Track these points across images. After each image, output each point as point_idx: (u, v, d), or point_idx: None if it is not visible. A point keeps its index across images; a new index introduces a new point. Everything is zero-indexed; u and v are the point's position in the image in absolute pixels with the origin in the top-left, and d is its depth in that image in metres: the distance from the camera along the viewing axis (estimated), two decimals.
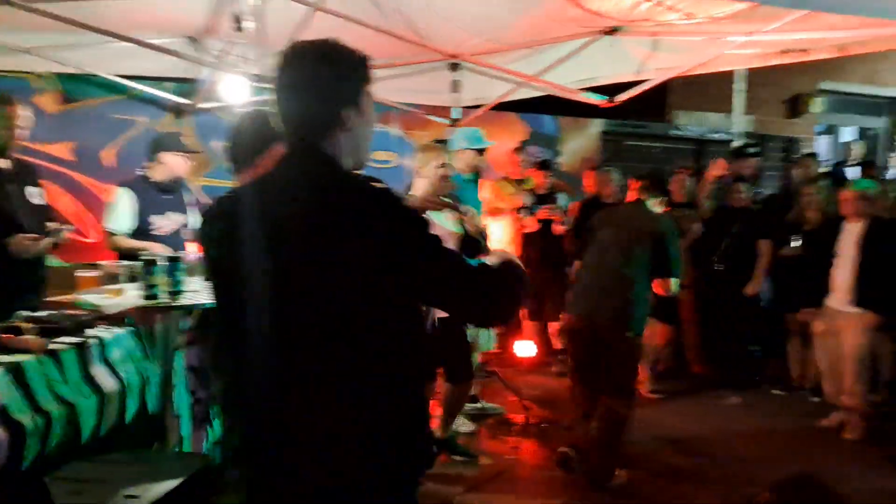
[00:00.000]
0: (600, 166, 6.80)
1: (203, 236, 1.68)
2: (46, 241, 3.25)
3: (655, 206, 4.05)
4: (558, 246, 6.04)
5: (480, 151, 4.66)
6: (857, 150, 8.08)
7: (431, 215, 3.23)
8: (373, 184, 1.52)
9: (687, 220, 5.74)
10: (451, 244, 3.47)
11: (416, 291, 1.50)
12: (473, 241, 3.47)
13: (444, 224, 3.62)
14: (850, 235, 4.63)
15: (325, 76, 1.52)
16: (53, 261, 4.09)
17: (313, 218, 1.44)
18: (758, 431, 4.36)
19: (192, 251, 4.14)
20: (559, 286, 6.20)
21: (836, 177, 7.53)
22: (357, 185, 1.50)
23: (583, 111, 6.24)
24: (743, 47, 3.99)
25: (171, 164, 4.20)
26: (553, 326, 6.18)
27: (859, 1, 2.51)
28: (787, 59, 4.05)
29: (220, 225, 1.59)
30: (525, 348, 6.12)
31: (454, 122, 5.27)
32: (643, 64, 4.84)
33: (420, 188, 3.58)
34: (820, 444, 4.60)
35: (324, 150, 1.53)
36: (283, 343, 1.48)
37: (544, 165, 6.10)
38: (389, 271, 1.42)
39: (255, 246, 1.49)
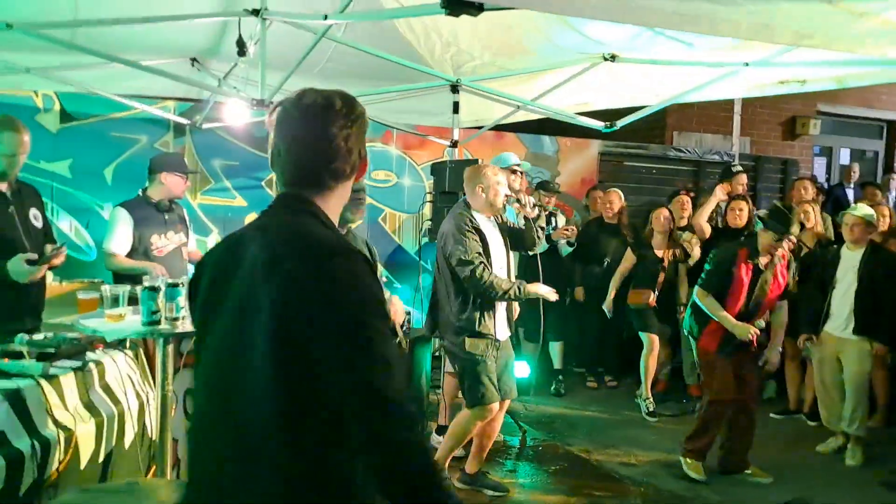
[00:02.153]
0: (598, 187, 6.84)
1: (196, 270, 1.61)
2: (42, 264, 3.25)
3: (767, 237, 4.13)
4: (560, 266, 6.05)
5: (512, 172, 4.75)
6: (857, 173, 8.11)
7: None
8: (346, 247, 1.43)
9: (688, 244, 5.77)
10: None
11: (332, 376, 1.31)
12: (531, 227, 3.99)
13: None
14: (850, 261, 4.64)
15: (330, 127, 1.48)
16: (54, 282, 4.09)
17: (274, 271, 1.37)
18: (755, 455, 4.35)
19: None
20: (559, 306, 6.21)
21: (833, 199, 7.58)
22: (331, 246, 1.40)
23: (582, 132, 6.27)
24: (742, 76, 4.02)
25: (170, 185, 4.22)
26: (556, 346, 6.16)
27: (854, 40, 2.54)
28: (784, 90, 4.09)
29: (210, 262, 1.56)
30: (521, 369, 6.11)
31: (454, 144, 5.29)
32: (641, 90, 4.88)
33: (479, 201, 3.85)
34: (817, 468, 4.60)
35: (310, 201, 1.49)
36: (224, 401, 1.41)
37: (545, 186, 6.12)
38: (320, 342, 1.31)
39: (219, 289, 1.47)
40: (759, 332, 4.11)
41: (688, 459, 4.33)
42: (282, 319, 1.33)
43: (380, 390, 1.30)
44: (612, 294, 5.73)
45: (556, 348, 6.18)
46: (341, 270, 1.36)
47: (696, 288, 4.35)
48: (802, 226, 5.37)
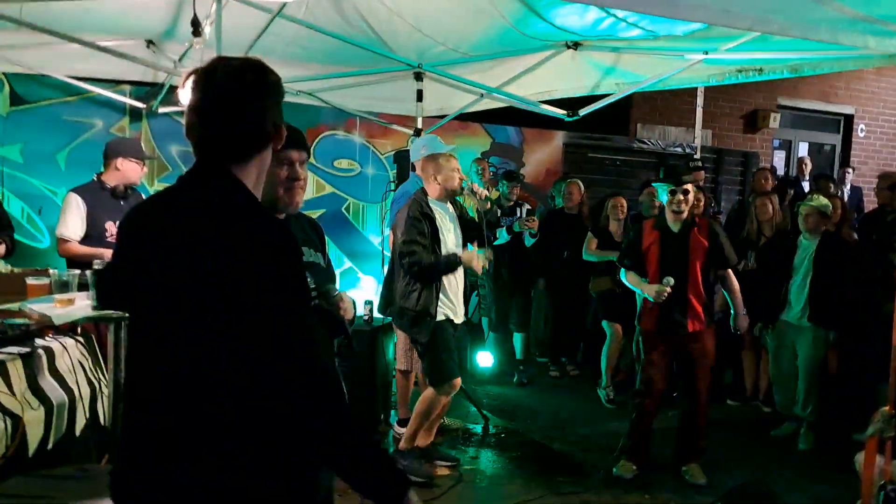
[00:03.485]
0: (565, 177, 6.85)
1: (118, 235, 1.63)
2: None
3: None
4: (526, 258, 6.07)
5: None
6: (809, 165, 8.29)
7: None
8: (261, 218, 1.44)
9: None
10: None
11: (248, 334, 1.34)
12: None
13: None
14: (806, 251, 4.73)
15: (240, 95, 1.47)
16: (2, 267, 3.97)
17: (182, 236, 1.39)
18: (711, 440, 4.41)
19: None
20: (524, 298, 6.25)
21: (791, 190, 7.71)
22: (242, 213, 1.42)
23: (547, 123, 6.29)
24: (700, 65, 4.07)
25: (127, 171, 4.12)
26: (519, 337, 6.18)
27: (809, 27, 2.57)
28: (742, 79, 4.15)
29: (125, 229, 1.56)
30: (485, 359, 6.13)
31: (418, 132, 5.26)
32: (603, 79, 4.91)
33: (435, 189, 3.87)
34: (771, 453, 4.69)
35: (227, 170, 1.47)
36: (147, 360, 1.44)
37: (510, 176, 6.12)
38: (233, 304, 1.34)
39: (134, 256, 1.47)
40: (669, 288, 3.94)
41: (622, 460, 4.23)
42: (205, 289, 1.34)
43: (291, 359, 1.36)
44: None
45: (519, 339, 6.19)
46: (260, 240, 1.37)
47: (621, 270, 4.34)
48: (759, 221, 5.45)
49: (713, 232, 4.14)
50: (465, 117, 6.31)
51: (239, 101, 1.47)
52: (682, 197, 4.00)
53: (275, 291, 1.35)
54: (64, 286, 2.94)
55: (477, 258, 3.78)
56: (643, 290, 4.10)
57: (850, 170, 8.45)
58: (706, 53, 3.81)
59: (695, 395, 4.16)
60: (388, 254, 5.76)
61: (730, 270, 4.21)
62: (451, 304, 3.87)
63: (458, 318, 3.95)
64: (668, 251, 4.07)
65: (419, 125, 5.32)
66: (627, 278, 4.26)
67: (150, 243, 1.43)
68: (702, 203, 5.63)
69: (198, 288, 1.34)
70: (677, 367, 4.27)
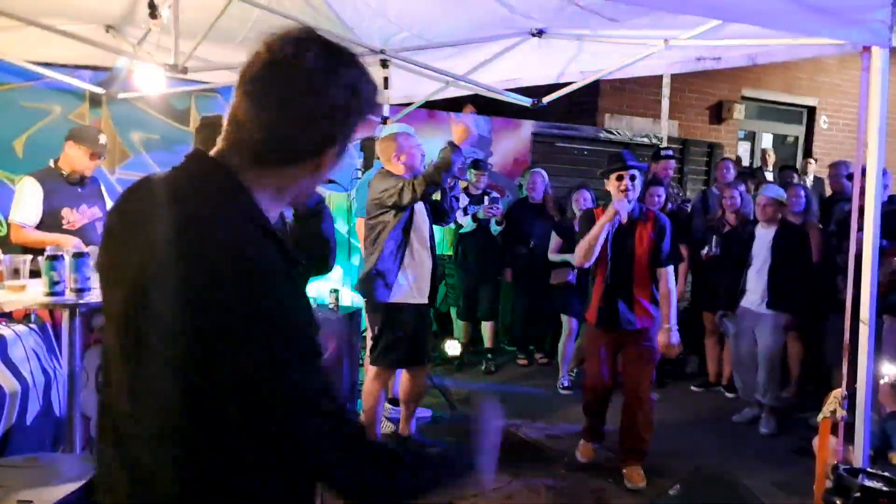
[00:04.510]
0: (531, 167, 6.87)
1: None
2: None
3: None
4: (493, 246, 6.08)
5: None
6: (772, 156, 8.42)
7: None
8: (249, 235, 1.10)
9: None
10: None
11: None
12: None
13: None
14: (764, 239, 4.81)
15: (310, 90, 1.12)
16: None
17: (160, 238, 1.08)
18: (674, 426, 4.49)
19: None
20: (492, 286, 6.26)
21: (753, 180, 7.83)
22: (236, 252, 1.05)
23: (515, 112, 6.28)
24: (662, 53, 4.10)
25: (73, 156, 4.04)
26: (487, 326, 6.20)
27: (767, 15, 2.60)
28: (701, 66, 4.20)
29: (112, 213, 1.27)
30: (453, 347, 6.14)
31: (384, 120, 5.23)
32: (567, 66, 4.92)
33: (399, 170, 3.90)
34: (732, 438, 4.78)
35: (234, 175, 1.14)
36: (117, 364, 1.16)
37: (478, 165, 6.12)
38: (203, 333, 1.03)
39: (111, 247, 1.22)
40: (620, 210, 3.78)
41: (581, 441, 4.31)
42: (167, 313, 1.06)
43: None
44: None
45: (486, 327, 6.22)
46: (241, 285, 1.04)
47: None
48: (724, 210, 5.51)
49: (659, 227, 3.91)
50: (432, 106, 6.28)
51: (307, 95, 1.12)
52: (628, 182, 3.81)
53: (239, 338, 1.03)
54: (15, 272, 2.88)
55: (461, 125, 3.85)
56: (602, 220, 3.83)
57: (813, 161, 8.59)
58: (667, 41, 3.83)
59: (636, 398, 3.98)
60: (355, 242, 5.75)
61: (666, 272, 3.90)
62: (416, 285, 3.87)
63: (423, 300, 3.95)
64: (615, 241, 3.91)
65: (386, 113, 5.29)
66: (579, 247, 3.95)
67: (119, 231, 1.20)
68: (663, 197, 5.67)
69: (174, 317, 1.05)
70: (621, 364, 4.07)
